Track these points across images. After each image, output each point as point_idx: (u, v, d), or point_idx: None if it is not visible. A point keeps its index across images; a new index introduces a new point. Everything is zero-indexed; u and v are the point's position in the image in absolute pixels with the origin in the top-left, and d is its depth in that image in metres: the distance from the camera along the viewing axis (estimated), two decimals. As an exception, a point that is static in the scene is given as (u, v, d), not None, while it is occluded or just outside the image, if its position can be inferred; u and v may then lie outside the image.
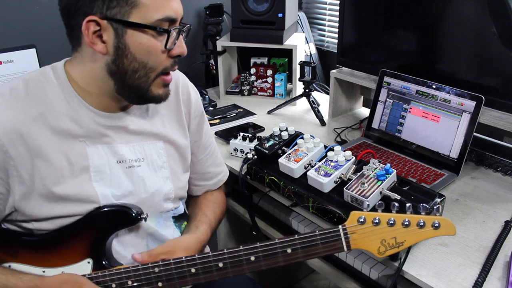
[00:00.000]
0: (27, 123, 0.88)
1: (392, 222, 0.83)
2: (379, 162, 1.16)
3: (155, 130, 1.02)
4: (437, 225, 0.82)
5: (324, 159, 1.20)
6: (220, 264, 0.90)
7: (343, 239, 0.87)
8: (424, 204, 0.84)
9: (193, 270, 0.91)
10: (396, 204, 0.85)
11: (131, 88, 0.91)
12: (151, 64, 0.88)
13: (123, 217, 0.96)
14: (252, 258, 0.89)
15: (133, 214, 0.95)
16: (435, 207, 0.84)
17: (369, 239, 0.85)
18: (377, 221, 0.84)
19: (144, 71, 0.89)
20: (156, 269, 0.92)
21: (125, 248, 1.00)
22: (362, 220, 0.84)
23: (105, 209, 0.94)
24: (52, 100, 0.91)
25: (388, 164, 1.13)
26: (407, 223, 0.83)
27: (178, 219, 1.10)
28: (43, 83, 0.91)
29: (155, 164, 1.02)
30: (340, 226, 0.87)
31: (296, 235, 0.88)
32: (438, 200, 1.09)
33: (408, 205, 0.85)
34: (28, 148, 0.87)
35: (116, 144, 0.96)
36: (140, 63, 0.87)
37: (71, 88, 0.92)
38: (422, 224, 0.82)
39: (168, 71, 0.92)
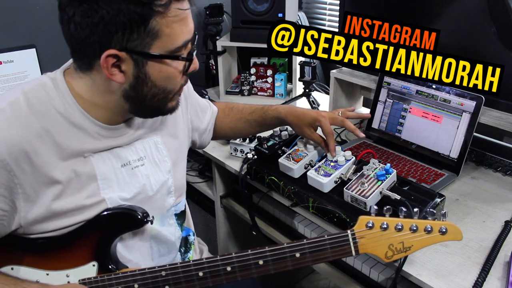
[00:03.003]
0: (31, 140, 0.84)
1: (400, 227, 0.84)
2: (379, 162, 1.16)
3: (151, 127, 1.02)
4: (444, 230, 0.82)
5: (324, 159, 1.20)
6: (228, 268, 0.89)
7: (351, 243, 0.87)
8: (431, 209, 0.84)
9: (200, 273, 0.90)
10: (404, 209, 0.85)
11: (149, 109, 0.91)
12: (170, 87, 0.88)
13: (129, 220, 0.95)
14: (261, 262, 0.89)
15: (139, 217, 0.94)
16: (442, 212, 0.84)
17: (377, 243, 0.85)
18: (385, 226, 0.84)
19: (164, 95, 0.88)
20: (163, 273, 0.91)
21: (130, 252, 0.99)
22: (371, 225, 0.85)
23: (110, 211, 0.93)
24: (55, 116, 0.87)
25: (388, 164, 1.13)
26: (414, 228, 0.83)
27: (179, 216, 1.10)
28: (45, 97, 0.87)
29: (156, 159, 1.02)
30: (348, 231, 0.87)
31: (304, 240, 0.88)
32: (438, 200, 1.09)
33: (415, 210, 0.85)
34: (33, 165, 0.85)
35: (118, 149, 0.95)
36: (160, 88, 0.87)
37: (75, 102, 0.88)
38: (429, 229, 0.83)
39: (183, 87, 0.93)
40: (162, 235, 1.04)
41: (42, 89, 0.87)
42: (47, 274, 0.93)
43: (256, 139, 1.47)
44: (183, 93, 1.12)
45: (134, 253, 1.00)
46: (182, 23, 0.83)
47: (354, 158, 1.20)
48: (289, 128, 1.35)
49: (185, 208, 1.14)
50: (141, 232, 1.00)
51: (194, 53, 0.89)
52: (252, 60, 2.03)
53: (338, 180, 1.16)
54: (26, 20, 1.65)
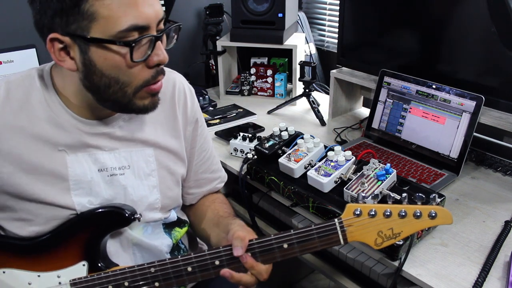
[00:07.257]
0: (1, 127, 0.86)
1: (388, 213, 0.83)
2: (379, 162, 1.16)
3: (145, 137, 0.98)
4: (433, 214, 0.81)
5: (324, 159, 1.20)
6: (217, 262, 0.89)
7: (339, 232, 0.86)
8: (420, 194, 0.83)
9: (189, 268, 0.90)
10: (392, 195, 0.84)
11: (110, 101, 0.86)
12: (123, 79, 0.82)
13: (117, 218, 0.94)
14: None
15: (127, 215, 0.93)
16: (431, 196, 0.83)
17: (366, 231, 0.84)
18: (373, 213, 0.83)
19: (118, 86, 0.82)
20: (153, 269, 0.91)
21: (112, 258, 0.98)
22: (358, 212, 0.84)
23: (98, 210, 0.93)
24: (34, 105, 0.88)
25: (388, 164, 1.13)
26: (403, 213, 0.82)
27: (169, 226, 1.08)
28: (27, 87, 0.89)
29: (141, 172, 0.98)
30: (336, 219, 0.86)
31: (291, 230, 0.87)
32: (438, 200, 1.09)
33: (404, 195, 0.84)
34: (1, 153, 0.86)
35: (98, 152, 0.93)
36: (111, 79, 0.81)
37: (55, 94, 0.89)
38: (418, 214, 0.82)
39: (150, 83, 0.85)
40: (145, 243, 1.02)
41: (26, 80, 0.90)
42: (39, 276, 0.93)
43: (256, 139, 1.47)
44: (199, 125, 1.09)
45: (116, 260, 0.98)
46: (128, 6, 0.76)
47: (354, 158, 1.20)
48: (289, 128, 1.35)
49: (177, 218, 1.10)
50: (123, 239, 0.99)
51: (162, 43, 0.83)
52: (252, 60, 2.03)
53: (338, 180, 1.16)
54: (26, 20, 1.64)
